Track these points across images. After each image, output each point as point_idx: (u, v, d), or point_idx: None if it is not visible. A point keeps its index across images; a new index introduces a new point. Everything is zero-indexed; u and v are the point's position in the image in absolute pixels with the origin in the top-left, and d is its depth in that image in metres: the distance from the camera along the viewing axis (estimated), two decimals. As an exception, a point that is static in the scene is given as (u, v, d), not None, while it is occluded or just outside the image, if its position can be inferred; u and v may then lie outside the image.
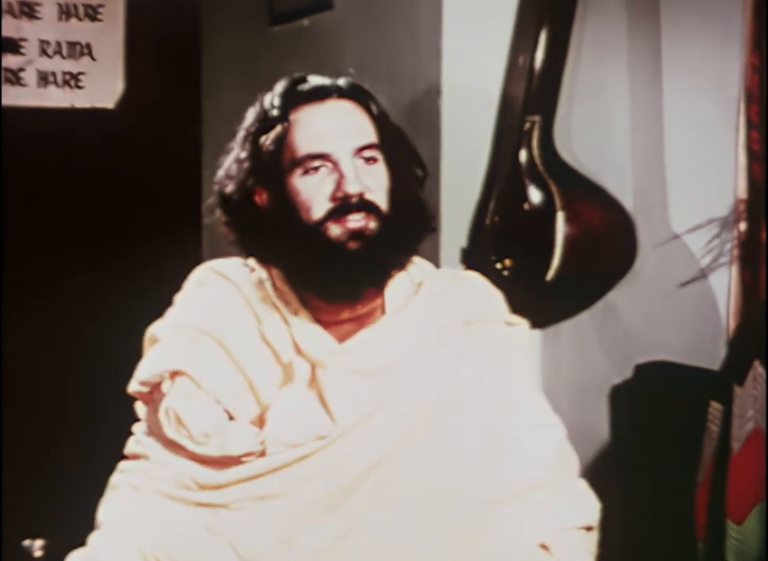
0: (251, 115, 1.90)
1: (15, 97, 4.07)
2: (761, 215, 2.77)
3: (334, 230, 1.82)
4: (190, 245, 3.72)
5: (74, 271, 4.06)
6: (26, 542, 2.10)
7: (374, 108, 1.88)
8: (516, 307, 2.01)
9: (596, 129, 2.82)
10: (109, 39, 4.14)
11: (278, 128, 1.84)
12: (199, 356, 1.87)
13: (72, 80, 4.12)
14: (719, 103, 2.87)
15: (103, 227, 4.13)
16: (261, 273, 1.92)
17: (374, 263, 1.84)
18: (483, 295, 1.98)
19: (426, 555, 1.82)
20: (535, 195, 2.61)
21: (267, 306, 1.89)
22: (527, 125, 2.64)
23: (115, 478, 1.90)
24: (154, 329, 1.95)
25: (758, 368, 2.38)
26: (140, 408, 1.97)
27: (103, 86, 4.15)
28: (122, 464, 1.92)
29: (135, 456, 1.91)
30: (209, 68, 4.03)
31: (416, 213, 1.90)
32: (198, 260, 2.04)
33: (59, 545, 2.00)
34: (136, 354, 1.95)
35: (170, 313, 1.96)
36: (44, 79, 4.11)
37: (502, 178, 2.69)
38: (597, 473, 2.00)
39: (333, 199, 1.82)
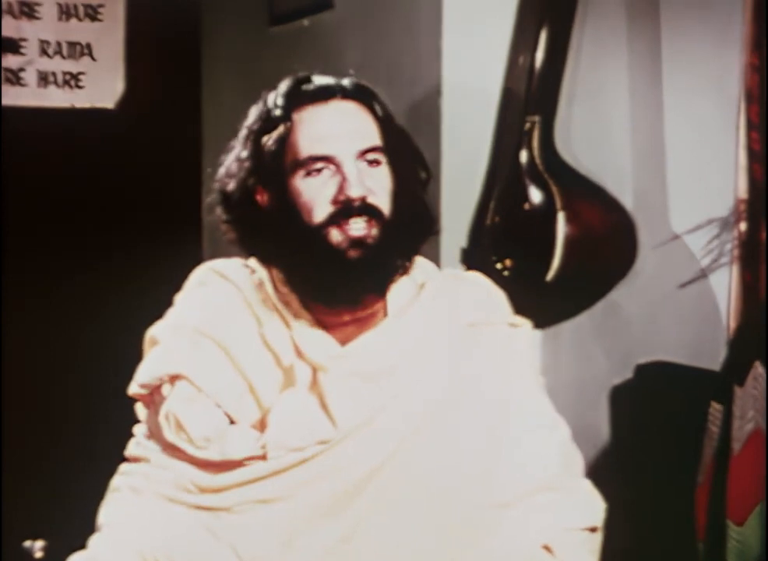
0: (253, 113, 1.89)
1: (15, 97, 4.07)
2: (761, 215, 2.77)
3: (335, 236, 1.80)
4: (190, 245, 3.72)
5: (74, 271, 4.06)
6: (27, 543, 2.10)
7: (378, 109, 1.86)
8: (517, 307, 2.00)
9: (596, 129, 2.82)
10: (109, 39, 4.14)
11: (281, 128, 1.83)
12: (199, 359, 1.87)
13: (72, 80, 4.12)
14: (719, 103, 2.87)
15: (103, 227, 4.12)
16: (262, 274, 1.91)
17: (375, 271, 1.82)
18: (485, 297, 1.97)
19: (428, 556, 1.82)
20: (535, 196, 2.61)
21: (268, 308, 1.88)
22: (527, 125, 2.64)
23: (116, 481, 1.89)
24: (154, 331, 1.94)
25: (758, 368, 2.38)
26: (140, 410, 1.96)
27: (103, 86, 4.15)
28: (123, 467, 1.91)
29: (136, 459, 1.90)
30: (209, 68, 4.03)
31: (419, 216, 1.89)
32: (198, 260, 2.04)
33: (59, 545, 2.00)
34: (136, 355, 1.95)
35: (171, 314, 1.95)
36: (44, 79, 4.10)
37: (502, 178, 2.69)
38: (597, 473, 2.00)
39: (335, 202, 1.80)
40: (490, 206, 2.69)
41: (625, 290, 2.76)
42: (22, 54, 4.09)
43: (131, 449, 1.92)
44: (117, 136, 4.09)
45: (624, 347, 2.86)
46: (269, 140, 1.83)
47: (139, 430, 1.94)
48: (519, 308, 2.01)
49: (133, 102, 4.15)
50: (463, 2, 2.73)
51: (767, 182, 2.77)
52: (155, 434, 1.89)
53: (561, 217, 2.57)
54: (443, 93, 2.72)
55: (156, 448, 1.87)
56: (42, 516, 3.59)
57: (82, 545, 1.86)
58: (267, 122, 1.85)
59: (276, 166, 1.83)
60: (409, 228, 1.86)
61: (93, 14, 4.13)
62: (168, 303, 1.97)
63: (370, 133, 1.84)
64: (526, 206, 2.62)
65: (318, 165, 1.81)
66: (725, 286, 2.89)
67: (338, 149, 1.80)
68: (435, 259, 2.11)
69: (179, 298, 1.97)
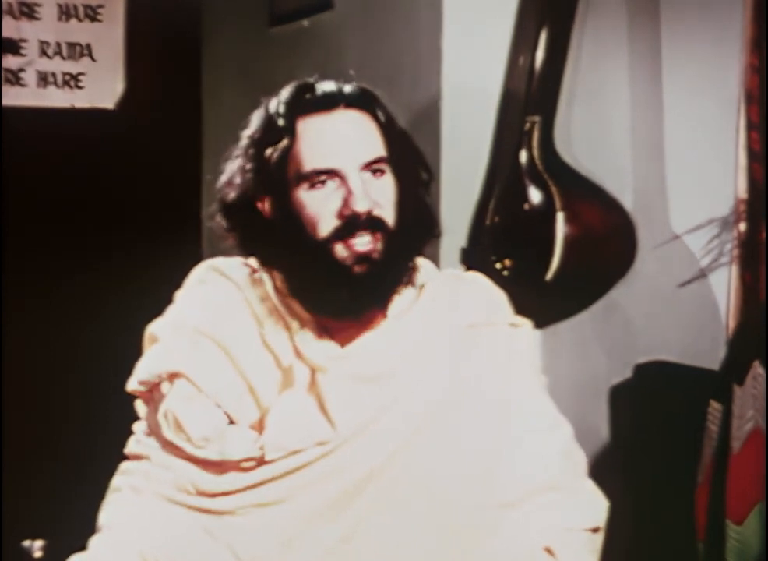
0: (255, 121, 1.86)
1: (15, 98, 4.07)
2: (761, 215, 2.77)
3: (340, 251, 1.79)
4: (190, 245, 3.72)
5: (74, 271, 4.06)
6: (26, 543, 2.09)
7: (381, 115, 1.84)
8: (516, 307, 2.00)
9: (596, 129, 2.82)
10: (109, 39, 4.14)
11: (284, 141, 1.80)
12: (199, 359, 1.86)
13: (72, 80, 4.12)
14: (719, 103, 2.87)
15: (103, 227, 4.12)
16: (262, 273, 1.91)
17: (379, 285, 1.82)
18: (486, 298, 1.97)
19: (429, 557, 1.82)
20: (535, 196, 2.61)
21: (268, 308, 1.88)
22: (527, 126, 2.64)
23: (117, 480, 1.89)
24: (154, 328, 1.93)
25: (758, 368, 2.38)
26: (140, 407, 1.96)
27: (103, 86, 4.15)
28: (123, 466, 1.91)
29: (136, 457, 1.90)
30: (209, 68, 4.03)
31: (422, 221, 1.88)
32: (198, 260, 2.03)
33: (59, 545, 2.00)
34: (136, 354, 1.95)
35: (171, 311, 1.95)
36: (43, 79, 4.11)
37: (502, 179, 2.69)
38: (597, 473, 2.00)
39: (340, 216, 1.79)
40: (490, 206, 2.69)
41: (625, 290, 2.76)
42: (22, 54, 4.09)
43: (131, 447, 1.92)
44: (117, 136, 4.09)
45: (624, 347, 2.86)
46: (273, 152, 1.81)
47: (138, 427, 1.94)
48: (519, 308, 2.01)
49: (133, 102, 4.15)
50: (463, 2, 2.73)
51: (767, 182, 2.77)
52: (154, 431, 1.88)
53: (560, 217, 2.57)
54: (443, 93, 2.72)
55: (156, 445, 1.87)
56: (42, 516, 3.58)
57: (82, 545, 1.86)
58: (270, 133, 1.82)
59: (279, 177, 1.81)
60: (413, 236, 1.85)
61: (92, 14, 4.13)
62: (168, 303, 1.97)
63: (374, 143, 1.82)
64: (526, 206, 2.62)
65: (323, 178, 1.79)
66: (725, 286, 2.89)
67: (343, 163, 1.79)
68: (434, 259, 2.11)
69: (179, 296, 1.97)
